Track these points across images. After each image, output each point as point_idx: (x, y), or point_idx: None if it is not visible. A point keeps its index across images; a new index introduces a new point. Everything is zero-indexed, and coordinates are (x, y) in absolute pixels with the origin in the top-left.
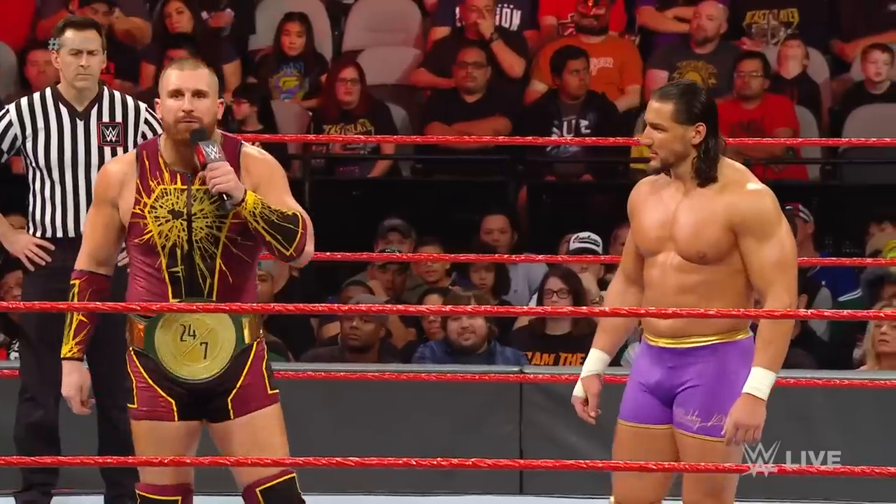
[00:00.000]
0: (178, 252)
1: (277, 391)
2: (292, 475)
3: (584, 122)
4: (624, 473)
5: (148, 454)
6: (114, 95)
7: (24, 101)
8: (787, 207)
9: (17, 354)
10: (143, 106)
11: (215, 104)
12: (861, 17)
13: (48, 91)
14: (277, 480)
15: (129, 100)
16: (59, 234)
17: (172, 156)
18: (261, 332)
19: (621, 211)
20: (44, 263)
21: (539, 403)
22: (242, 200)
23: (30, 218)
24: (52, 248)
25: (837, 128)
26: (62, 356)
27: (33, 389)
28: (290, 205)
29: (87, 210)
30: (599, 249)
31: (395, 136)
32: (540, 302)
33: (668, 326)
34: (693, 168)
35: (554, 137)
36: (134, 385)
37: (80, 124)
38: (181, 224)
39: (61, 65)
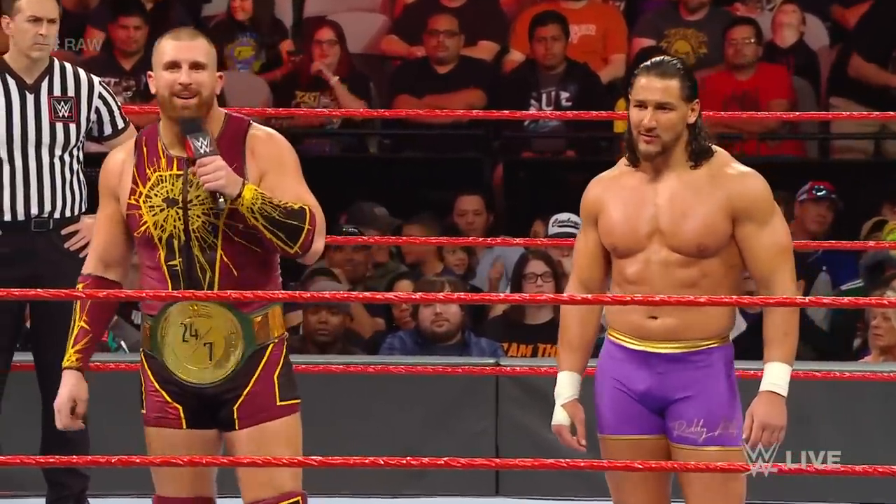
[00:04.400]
0: (176, 243)
1: (296, 401)
2: (296, 499)
3: (564, 95)
4: (625, 491)
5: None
6: (65, 67)
7: None
8: (817, 188)
9: None
10: (96, 80)
11: (214, 77)
12: None
13: None
14: None
15: (82, 72)
16: (7, 216)
17: (170, 138)
18: (282, 332)
19: None
20: None
21: (516, 398)
22: (239, 196)
23: None
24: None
25: None
26: (62, 366)
27: None
28: (300, 195)
29: (37, 190)
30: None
31: (362, 110)
32: (518, 288)
33: (659, 329)
34: (687, 150)
35: (532, 111)
36: (143, 389)
37: (30, 98)
38: (176, 213)
39: (15, 32)
